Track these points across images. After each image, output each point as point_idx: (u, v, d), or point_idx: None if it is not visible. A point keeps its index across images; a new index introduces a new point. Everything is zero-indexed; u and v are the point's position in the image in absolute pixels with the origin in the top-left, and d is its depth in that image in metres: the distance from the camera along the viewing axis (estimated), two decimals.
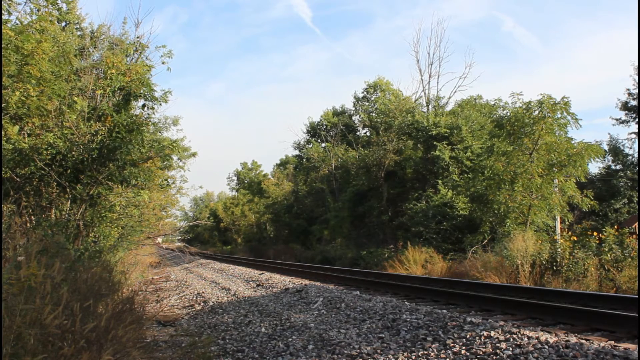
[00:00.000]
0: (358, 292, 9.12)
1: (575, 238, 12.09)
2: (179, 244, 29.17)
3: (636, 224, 20.17)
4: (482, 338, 4.91)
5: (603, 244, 11.29)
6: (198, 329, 7.47)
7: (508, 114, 16.81)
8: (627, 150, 28.79)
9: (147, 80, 9.60)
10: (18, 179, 8.15)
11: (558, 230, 14.12)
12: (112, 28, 13.03)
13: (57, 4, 10.32)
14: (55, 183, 8.53)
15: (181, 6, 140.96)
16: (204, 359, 5.31)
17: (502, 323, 5.53)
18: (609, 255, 10.87)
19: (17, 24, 8.43)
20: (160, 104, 10.53)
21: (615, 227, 13.41)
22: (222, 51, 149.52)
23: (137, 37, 12.27)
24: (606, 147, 28.15)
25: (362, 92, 36.63)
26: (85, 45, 11.69)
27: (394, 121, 26.16)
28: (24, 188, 8.45)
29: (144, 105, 10.04)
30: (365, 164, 26.77)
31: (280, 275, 14.96)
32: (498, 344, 4.65)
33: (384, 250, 21.31)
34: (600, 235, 11.83)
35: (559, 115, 14.77)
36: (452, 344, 4.92)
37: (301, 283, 11.50)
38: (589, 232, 12.35)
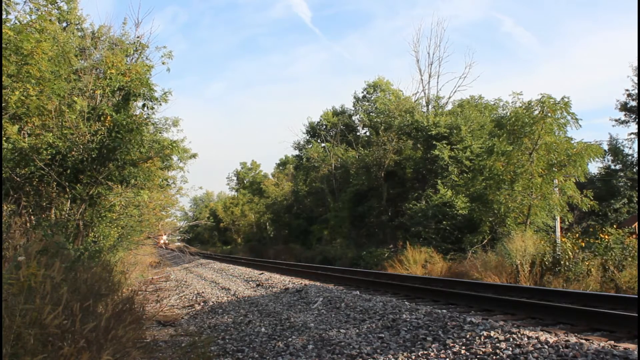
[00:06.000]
0: (358, 292, 9.12)
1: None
2: (179, 243, 29.17)
3: (636, 224, 20.16)
4: (482, 338, 4.91)
5: (606, 245, 11.30)
6: (198, 328, 7.47)
7: (508, 113, 16.83)
8: (626, 150, 28.81)
9: (146, 80, 9.60)
10: (18, 179, 8.15)
11: (558, 231, 14.12)
12: (113, 29, 13.00)
13: (56, 3, 10.31)
14: (55, 183, 8.53)
15: (181, 6, 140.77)
16: (204, 358, 5.31)
17: (502, 323, 5.53)
18: (611, 255, 10.87)
19: (17, 24, 8.42)
20: (160, 104, 10.54)
21: (615, 226, 13.43)
22: (222, 51, 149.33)
23: (137, 37, 12.28)
24: (606, 147, 28.16)
25: (362, 92, 36.63)
26: (86, 45, 11.69)
27: (393, 121, 26.17)
28: (24, 188, 8.45)
29: (144, 105, 10.04)
30: (365, 164, 26.78)
31: (280, 275, 14.96)
32: (498, 344, 4.65)
33: (383, 250, 21.31)
34: (603, 236, 11.84)
35: (559, 115, 14.78)
36: (452, 344, 4.92)
37: (301, 283, 11.49)
38: (596, 232, 12.37)
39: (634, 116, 28.24)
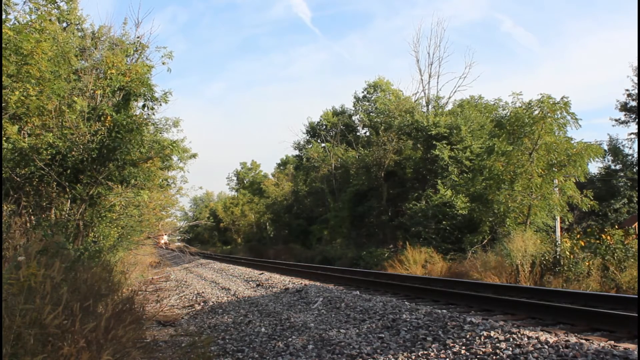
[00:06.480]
0: (358, 292, 9.12)
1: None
2: (179, 244, 29.16)
3: (636, 224, 20.16)
4: (482, 338, 4.91)
5: (607, 245, 11.28)
6: (198, 328, 7.47)
7: (508, 113, 16.82)
8: (626, 151, 28.83)
9: (146, 80, 9.60)
10: (18, 179, 8.15)
11: (558, 231, 14.12)
12: (113, 29, 12.99)
13: (56, 3, 10.30)
14: (55, 183, 8.53)
15: (181, 6, 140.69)
16: (204, 359, 5.31)
17: (502, 323, 5.53)
18: (613, 255, 10.85)
19: (16, 24, 8.43)
20: (161, 104, 10.55)
21: (617, 227, 13.41)
22: (222, 51, 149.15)
23: (137, 37, 12.27)
24: (606, 147, 28.18)
25: (363, 92, 36.65)
26: (86, 45, 11.68)
27: (393, 121, 26.17)
28: (24, 188, 8.45)
29: (144, 106, 10.05)
30: (365, 164, 26.78)
31: (280, 275, 14.96)
32: (498, 344, 4.64)
33: (383, 250, 21.31)
34: (605, 236, 11.82)
35: (559, 115, 14.78)
36: (452, 344, 4.92)
37: (301, 283, 11.50)
38: (594, 232, 12.34)
39: (634, 116, 28.24)
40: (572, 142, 15.16)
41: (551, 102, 14.61)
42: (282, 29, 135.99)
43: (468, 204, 18.64)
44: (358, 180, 27.54)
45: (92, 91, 9.50)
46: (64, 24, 11.31)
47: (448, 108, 27.17)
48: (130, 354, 3.97)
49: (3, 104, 7.33)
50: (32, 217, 8.43)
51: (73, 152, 8.49)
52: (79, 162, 8.61)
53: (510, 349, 4.48)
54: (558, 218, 14.66)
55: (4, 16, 8.45)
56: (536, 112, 14.88)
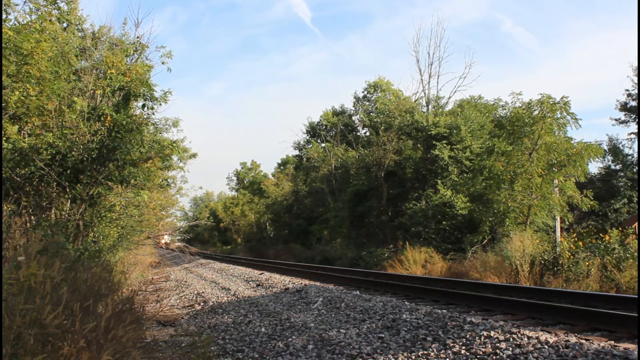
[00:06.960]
0: (358, 292, 9.12)
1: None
2: (179, 244, 29.15)
3: (636, 224, 20.16)
4: (482, 338, 4.91)
5: (606, 245, 11.27)
6: (198, 328, 7.47)
7: (508, 113, 16.83)
8: (626, 150, 28.86)
9: (146, 80, 9.60)
10: (18, 179, 8.15)
11: (558, 231, 14.11)
12: (113, 29, 12.98)
13: (56, 3, 10.30)
14: (55, 183, 8.53)
15: (181, 6, 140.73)
16: (204, 358, 5.31)
17: (502, 323, 5.53)
18: (612, 255, 10.84)
19: (16, 24, 8.43)
20: (160, 104, 10.56)
21: (619, 228, 13.40)
22: (222, 51, 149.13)
23: (137, 37, 12.26)
24: (606, 147, 28.21)
25: (363, 92, 36.64)
26: (86, 46, 11.68)
27: (393, 121, 26.18)
28: (24, 188, 8.45)
29: (143, 105, 10.05)
30: (365, 164, 26.78)
31: (280, 275, 14.96)
32: (498, 344, 4.65)
33: (383, 250, 21.31)
34: (604, 236, 11.81)
35: (559, 115, 14.78)
36: (452, 344, 4.92)
37: (301, 283, 11.50)
38: (590, 232, 12.35)
39: (634, 116, 28.26)
40: (572, 142, 15.17)
41: (551, 102, 14.61)
42: (282, 29, 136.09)
43: (468, 204, 18.65)
44: (358, 180, 27.54)
45: (92, 91, 9.50)
46: (64, 24, 11.31)
47: (448, 108, 27.18)
48: (130, 354, 3.97)
49: (3, 104, 7.34)
50: (32, 217, 8.43)
51: (73, 152, 8.49)
52: (79, 162, 8.61)
53: (510, 349, 4.48)
54: (558, 218, 14.67)
55: (4, 16, 8.45)
56: (536, 112, 14.89)
